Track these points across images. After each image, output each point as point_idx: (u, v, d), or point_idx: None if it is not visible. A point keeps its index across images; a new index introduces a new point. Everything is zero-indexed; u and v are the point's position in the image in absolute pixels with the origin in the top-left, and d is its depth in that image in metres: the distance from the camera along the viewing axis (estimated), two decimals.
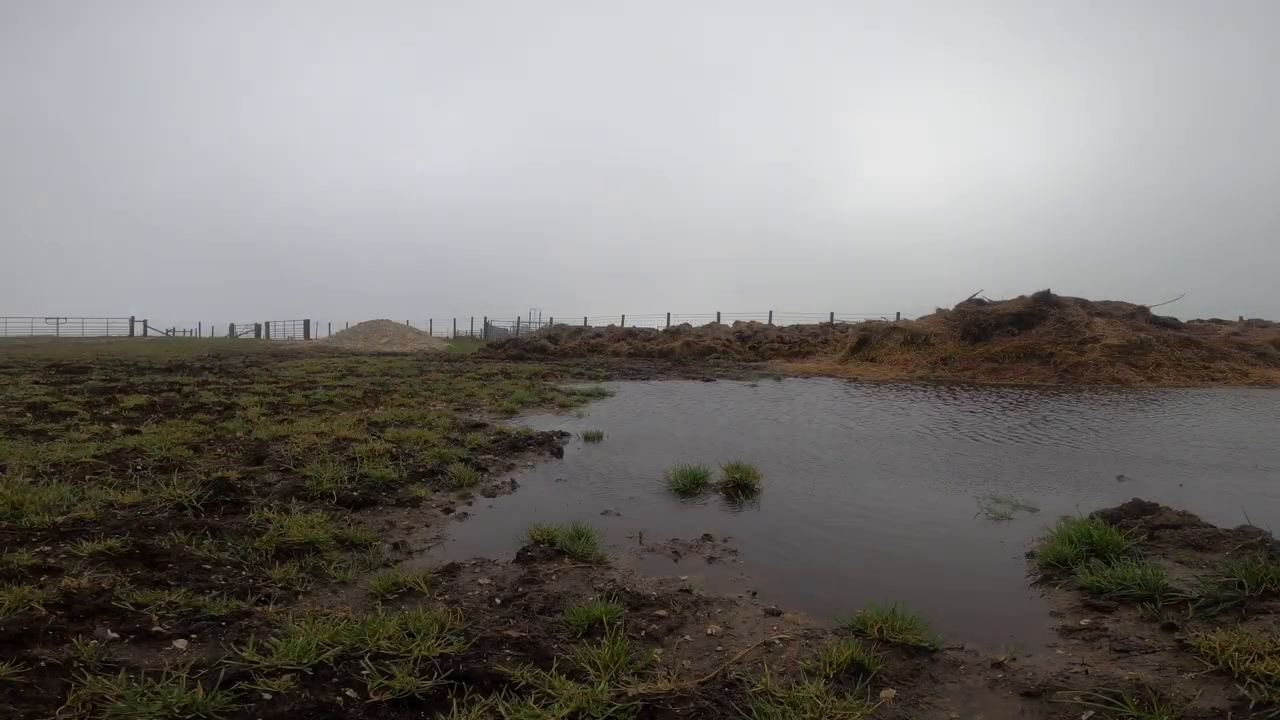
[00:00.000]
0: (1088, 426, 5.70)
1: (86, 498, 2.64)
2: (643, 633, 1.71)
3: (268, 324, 50.63)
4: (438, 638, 1.55)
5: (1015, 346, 12.19)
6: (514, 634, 1.63)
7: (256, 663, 1.39)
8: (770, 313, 27.28)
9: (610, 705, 1.31)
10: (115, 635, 1.53)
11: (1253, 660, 1.45)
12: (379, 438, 4.20)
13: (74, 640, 1.46)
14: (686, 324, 24.94)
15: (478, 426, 5.02)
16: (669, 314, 28.64)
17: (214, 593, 1.82)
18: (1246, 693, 1.36)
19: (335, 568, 2.09)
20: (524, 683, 1.39)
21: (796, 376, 11.86)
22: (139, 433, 4.30)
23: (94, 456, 3.44)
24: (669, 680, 1.42)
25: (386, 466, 3.42)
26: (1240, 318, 19.84)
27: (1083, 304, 13.81)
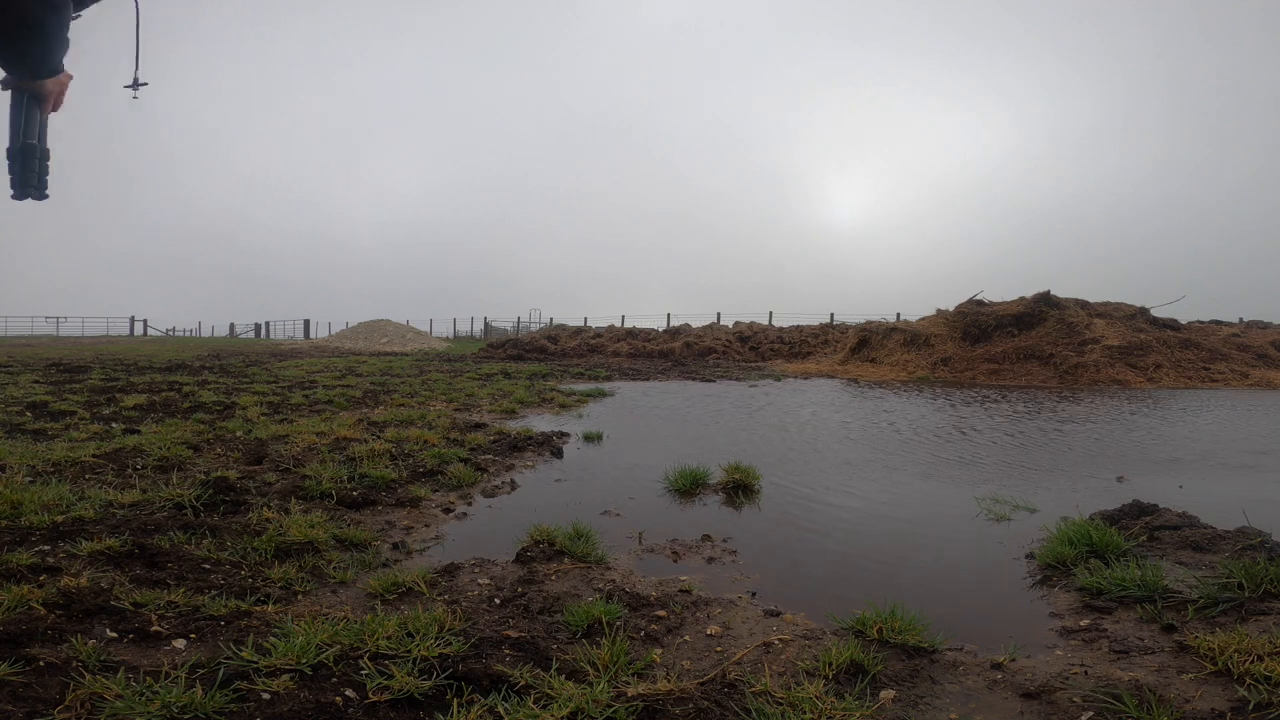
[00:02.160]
0: (1087, 427, 5.70)
1: (86, 497, 2.64)
2: (642, 633, 1.71)
3: (267, 324, 50.68)
4: (437, 638, 1.55)
5: (1015, 347, 12.19)
6: (513, 634, 1.63)
7: (255, 662, 1.39)
8: (770, 313, 27.33)
9: (609, 705, 1.31)
10: (114, 635, 1.53)
11: (1252, 661, 1.45)
12: (379, 438, 4.19)
13: (73, 640, 1.46)
14: (686, 324, 24.97)
15: (478, 426, 5.01)
16: (669, 314, 28.70)
17: (213, 592, 1.81)
18: (1246, 694, 1.36)
19: (334, 567, 2.09)
20: (523, 683, 1.39)
21: (796, 377, 11.86)
22: (139, 432, 4.30)
23: (93, 456, 3.43)
24: (668, 681, 1.42)
25: (386, 466, 3.42)
26: (1240, 319, 19.86)
27: (1082, 305, 13.81)
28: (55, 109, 1.86)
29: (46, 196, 1.87)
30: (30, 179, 1.82)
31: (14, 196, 1.83)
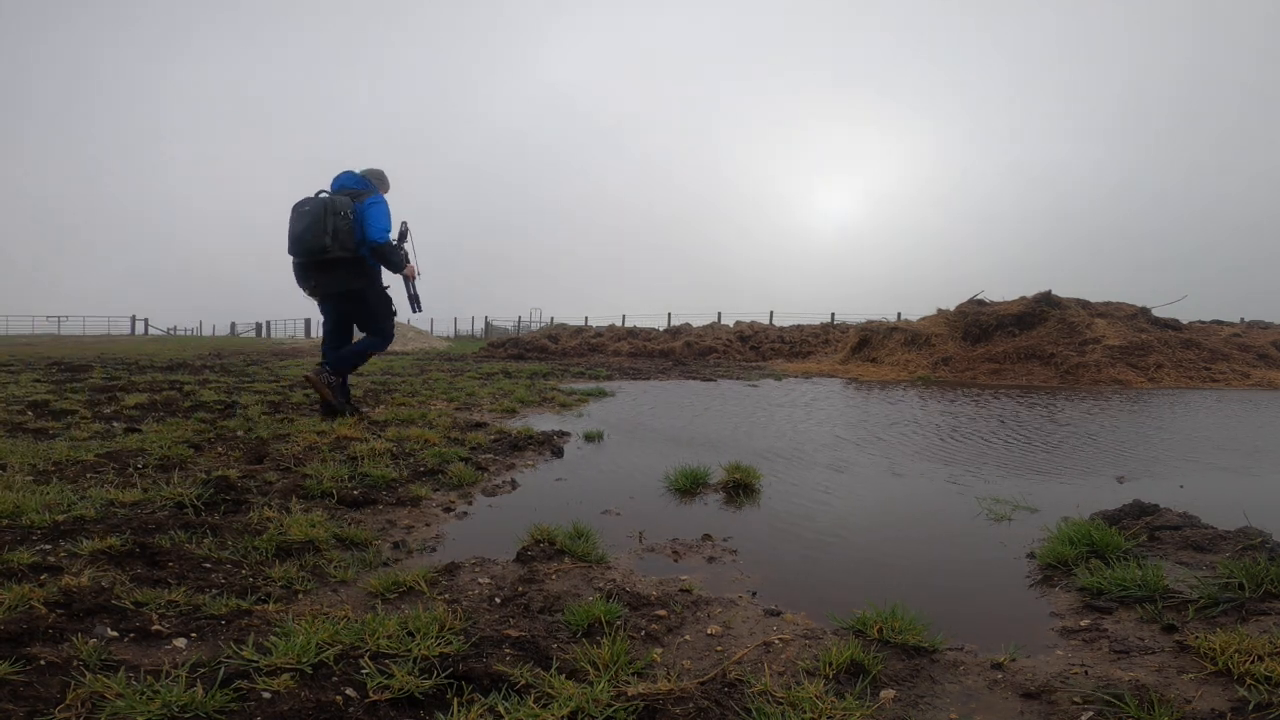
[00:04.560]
0: (1088, 427, 5.70)
1: (87, 496, 2.64)
2: (642, 632, 1.71)
3: (269, 323, 50.74)
4: (437, 637, 1.55)
5: (1016, 347, 12.18)
6: (513, 633, 1.63)
7: (256, 661, 1.39)
8: (771, 313, 27.36)
9: (610, 705, 1.31)
10: (115, 634, 1.53)
11: (1253, 662, 1.45)
12: (379, 437, 4.20)
13: (74, 639, 1.46)
14: (687, 324, 24.98)
15: (478, 426, 5.01)
16: (669, 314, 28.71)
17: (214, 591, 1.82)
18: (1246, 694, 1.36)
19: (335, 566, 2.09)
20: (523, 682, 1.39)
21: (797, 377, 11.86)
22: (140, 431, 4.30)
23: (95, 455, 3.44)
24: (669, 680, 1.42)
25: (387, 465, 3.42)
26: (1241, 319, 19.85)
27: (1084, 305, 13.80)
28: (415, 278, 5.19)
29: (421, 311, 5.35)
30: (416, 306, 5.24)
31: (413, 313, 5.34)
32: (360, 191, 4.95)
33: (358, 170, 5.10)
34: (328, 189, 4.94)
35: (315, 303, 5.16)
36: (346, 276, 4.87)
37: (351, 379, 9.06)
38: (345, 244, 4.73)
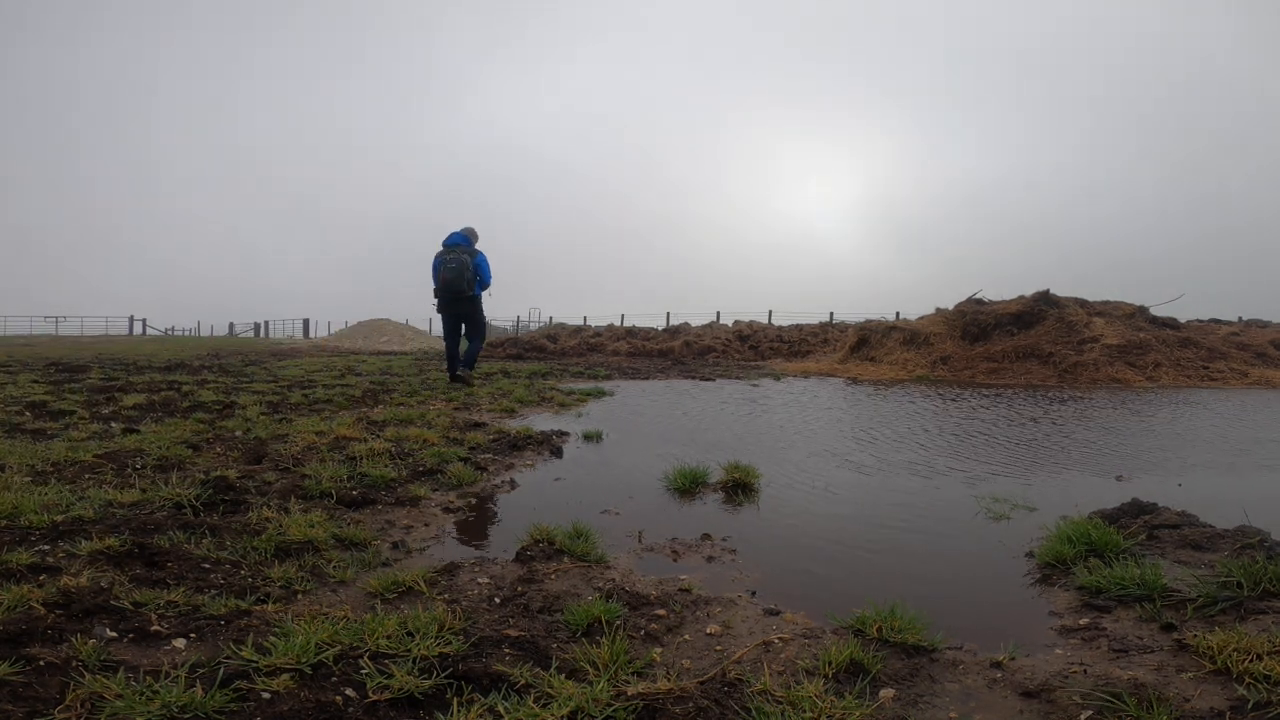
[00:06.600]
0: (1086, 426, 5.71)
1: (85, 497, 2.64)
2: (642, 632, 1.71)
3: (267, 323, 50.71)
4: (437, 637, 1.55)
5: (1014, 346, 12.18)
6: (513, 633, 1.63)
7: (255, 662, 1.39)
8: (770, 312, 27.37)
9: (609, 705, 1.31)
10: (114, 634, 1.53)
11: (1251, 660, 1.46)
12: (378, 437, 4.19)
13: (73, 639, 1.46)
14: (686, 323, 24.97)
15: (477, 425, 5.01)
16: (668, 313, 28.71)
17: (213, 592, 1.82)
18: (1245, 693, 1.36)
19: (334, 566, 2.09)
20: (523, 682, 1.39)
21: (796, 376, 11.86)
22: (138, 431, 4.30)
23: (93, 455, 3.43)
24: (668, 680, 1.42)
25: (386, 465, 3.42)
26: (1239, 317, 19.90)
27: (1082, 304, 13.81)
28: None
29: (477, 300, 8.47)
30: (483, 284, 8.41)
31: (478, 293, 8.35)
32: (471, 248, 8.17)
33: (460, 229, 8.29)
34: (442, 246, 8.26)
35: (440, 315, 8.45)
36: (470, 305, 8.27)
37: (351, 379, 9.29)
38: (472, 285, 8.06)
